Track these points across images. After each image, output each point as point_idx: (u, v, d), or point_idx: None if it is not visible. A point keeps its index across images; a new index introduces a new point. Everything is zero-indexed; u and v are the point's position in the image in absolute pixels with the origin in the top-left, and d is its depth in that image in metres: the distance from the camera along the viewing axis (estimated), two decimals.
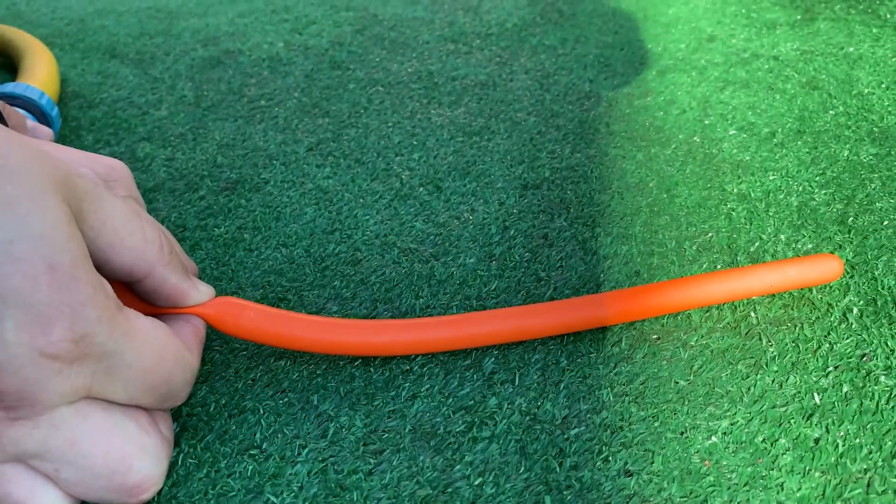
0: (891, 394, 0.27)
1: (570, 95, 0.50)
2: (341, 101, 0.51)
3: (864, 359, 0.28)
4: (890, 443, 0.25)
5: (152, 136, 0.47)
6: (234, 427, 0.27)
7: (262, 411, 0.27)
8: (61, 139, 0.47)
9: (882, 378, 0.28)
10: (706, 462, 0.25)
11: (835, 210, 0.37)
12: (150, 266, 0.24)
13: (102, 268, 0.23)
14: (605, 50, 0.58)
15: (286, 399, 0.28)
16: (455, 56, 0.57)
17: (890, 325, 0.30)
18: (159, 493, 0.24)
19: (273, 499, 0.24)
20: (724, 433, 0.26)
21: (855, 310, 0.31)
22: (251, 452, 0.26)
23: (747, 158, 0.42)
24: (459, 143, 0.45)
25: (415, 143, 0.45)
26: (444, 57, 0.57)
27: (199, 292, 0.26)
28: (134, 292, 0.25)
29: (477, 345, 0.29)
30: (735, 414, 0.26)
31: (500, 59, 0.57)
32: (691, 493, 0.24)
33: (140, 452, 0.23)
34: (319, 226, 0.38)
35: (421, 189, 0.40)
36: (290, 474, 0.25)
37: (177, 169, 0.43)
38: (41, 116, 0.43)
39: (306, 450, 0.26)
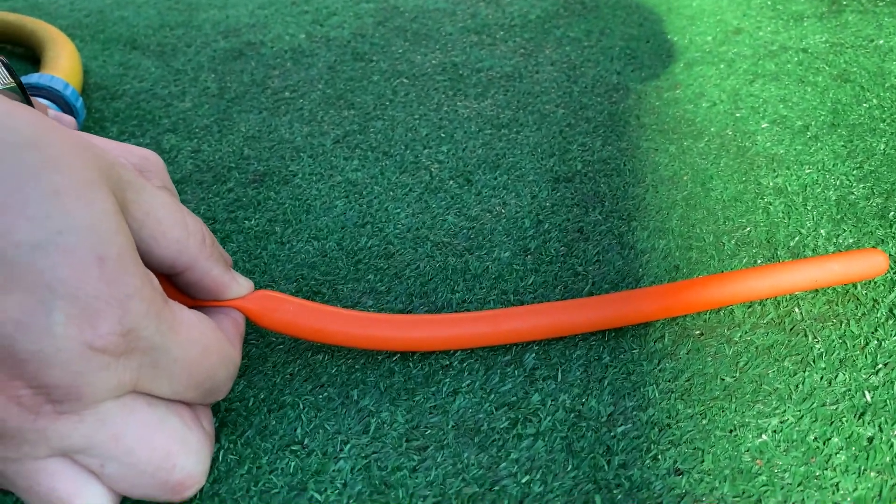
0: None
1: (598, 87, 0.50)
2: (366, 93, 0.50)
3: None
4: None
5: (177, 127, 0.46)
6: (273, 422, 0.26)
7: (301, 406, 0.27)
8: (85, 130, 0.46)
9: None
10: (758, 461, 0.24)
11: (874, 204, 0.37)
12: (192, 258, 0.24)
13: (145, 259, 0.23)
14: (630, 42, 0.57)
15: (326, 394, 0.27)
16: (479, 48, 0.57)
17: None
18: (201, 490, 0.24)
19: (317, 496, 0.24)
20: (775, 431, 0.25)
21: None
22: (293, 448, 0.25)
23: (782, 152, 0.41)
24: (488, 136, 0.44)
25: (442, 135, 0.45)
26: (467, 49, 0.57)
27: (240, 285, 0.26)
28: (174, 285, 0.25)
29: (518, 340, 0.28)
30: (785, 412, 0.26)
31: (524, 51, 0.56)
32: (744, 492, 0.23)
33: (184, 450, 0.22)
34: (350, 219, 0.37)
35: (451, 182, 0.40)
36: (334, 471, 0.24)
37: (203, 161, 0.42)
38: (65, 107, 0.42)
39: (348, 446, 0.25)
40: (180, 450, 0.22)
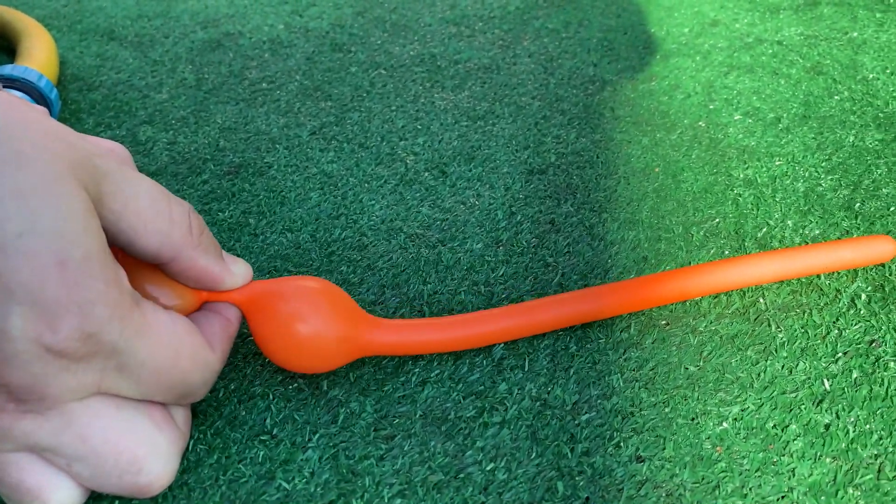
0: None
1: (574, 79, 0.50)
2: (343, 85, 0.50)
3: (874, 345, 0.29)
4: None
5: (153, 119, 0.46)
6: (243, 413, 0.27)
7: (271, 397, 0.27)
8: (61, 122, 0.46)
9: (891, 364, 0.28)
10: (718, 448, 0.25)
11: (841, 196, 0.37)
12: (175, 249, 0.23)
13: (128, 249, 0.23)
14: (608, 33, 0.57)
15: (296, 385, 0.28)
16: (458, 39, 0.57)
17: None
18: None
19: (285, 484, 0.24)
20: (735, 419, 0.26)
21: (863, 296, 0.31)
22: (262, 438, 0.26)
23: (753, 144, 0.42)
24: (464, 128, 0.44)
25: (419, 127, 0.45)
26: (446, 40, 0.57)
27: (234, 275, 0.25)
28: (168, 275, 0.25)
29: (488, 342, 0.28)
30: (746, 400, 0.26)
31: (503, 43, 0.56)
32: (703, 478, 0.24)
33: (152, 452, 0.22)
34: (325, 210, 0.37)
35: (426, 174, 0.40)
36: (302, 460, 0.25)
37: (179, 153, 0.42)
38: (40, 99, 0.42)
39: (317, 435, 0.26)
40: (148, 453, 0.22)
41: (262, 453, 0.25)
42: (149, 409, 0.23)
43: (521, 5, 0.63)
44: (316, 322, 0.25)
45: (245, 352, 0.29)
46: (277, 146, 0.43)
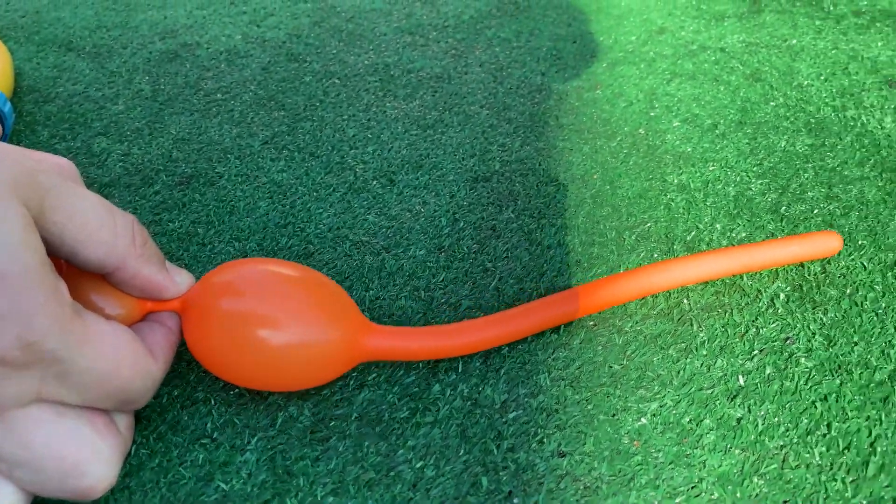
0: (809, 375, 0.29)
1: (522, 88, 0.51)
2: (297, 94, 0.51)
3: (788, 342, 0.30)
4: (805, 421, 0.27)
5: (108, 130, 0.47)
6: (185, 417, 0.28)
7: (213, 402, 0.28)
8: (16, 134, 0.47)
9: (802, 360, 0.29)
10: (635, 442, 0.26)
11: (769, 199, 0.39)
12: (120, 259, 0.24)
13: (72, 260, 0.24)
14: (557, 42, 0.59)
15: (237, 390, 0.29)
16: (412, 48, 0.58)
17: (814, 309, 0.32)
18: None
19: (223, 486, 0.25)
20: (653, 415, 0.27)
21: (782, 295, 0.33)
22: (202, 441, 0.27)
23: (689, 150, 0.44)
24: (413, 137, 0.46)
25: (369, 136, 0.46)
26: (400, 49, 0.58)
27: (176, 284, 0.26)
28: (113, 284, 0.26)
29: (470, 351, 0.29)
30: (664, 396, 0.28)
31: (455, 52, 0.58)
32: (620, 471, 0.25)
33: (94, 457, 0.23)
34: (272, 219, 0.38)
35: (374, 182, 0.41)
36: (240, 462, 0.26)
37: (132, 164, 0.43)
38: None
39: (255, 438, 0.27)
40: (90, 457, 0.23)
41: (202, 456, 0.26)
42: (90, 415, 0.24)
43: (475, 14, 0.65)
44: (287, 325, 0.26)
45: (189, 359, 0.30)
46: (229, 156, 0.44)
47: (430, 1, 0.68)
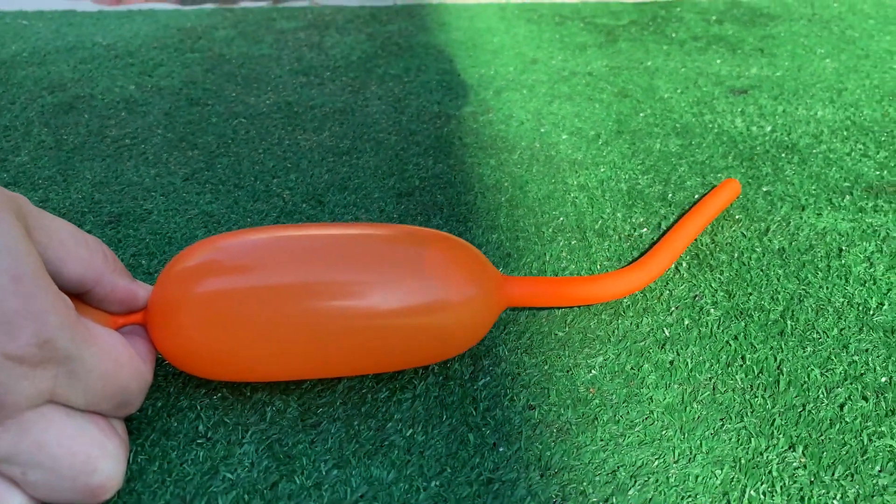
0: (719, 321, 0.34)
1: (422, 116, 0.56)
2: (207, 134, 0.53)
3: (696, 298, 0.35)
4: (724, 356, 0.32)
5: (18, 180, 0.46)
6: (175, 424, 0.29)
7: (199, 407, 0.29)
8: None
9: (711, 311, 0.35)
10: (591, 390, 0.30)
11: (656, 190, 0.45)
12: (98, 273, 0.26)
13: (55, 279, 0.25)
14: (445, 76, 0.64)
15: (220, 394, 0.30)
16: (309, 87, 0.61)
17: (711, 272, 0.37)
18: (118, 491, 0.26)
19: (229, 475, 0.26)
20: (601, 367, 0.31)
21: (684, 263, 0.38)
22: (198, 441, 0.28)
23: (580, 156, 0.49)
24: (331, 163, 0.48)
25: (289, 165, 0.48)
26: (299, 88, 0.61)
27: (146, 290, 0.28)
28: (90, 304, 0.27)
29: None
30: (607, 351, 0.32)
31: (352, 88, 0.61)
32: (583, 414, 0.29)
33: (103, 454, 0.24)
34: None
35: (304, 205, 0.44)
36: (240, 454, 0.27)
37: (54, 209, 0.43)
38: None
39: (249, 433, 0.28)
40: (100, 454, 0.24)
41: (201, 454, 0.27)
42: (93, 417, 0.25)
43: (363, 56, 0.69)
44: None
45: (166, 372, 0.31)
46: (153, 194, 0.45)
47: (316, 45, 0.72)
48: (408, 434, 0.28)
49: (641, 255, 0.38)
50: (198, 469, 0.27)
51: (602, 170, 0.48)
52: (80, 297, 0.27)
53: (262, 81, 0.63)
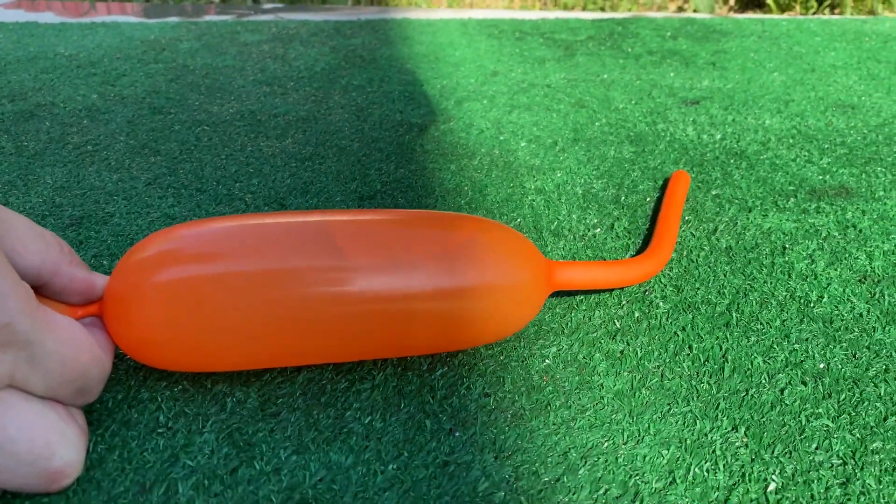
0: (668, 314, 0.35)
1: (385, 124, 0.57)
2: (170, 141, 0.53)
3: (647, 293, 0.37)
4: (672, 345, 0.33)
5: None
6: (135, 415, 0.29)
7: (160, 399, 0.30)
8: None
9: (661, 304, 0.36)
10: (545, 378, 0.31)
11: (610, 194, 0.47)
12: (55, 265, 0.26)
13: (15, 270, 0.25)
14: (407, 87, 0.65)
15: (181, 386, 0.30)
16: (272, 97, 0.62)
17: None
18: (78, 479, 0.26)
19: (189, 462, 0.27)
20: (554, 357, 0.32)
21: None
22: (159, 431, 0.28)
23: (538, 162, 0.51)
24: (294, 168, 0.49)
25: (251, 170, 0.49)
26: (262, 98, 0.62)
27: (103, 279, 0.28)
28: (48, 297, 0.27)
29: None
30: (560, 342, 0.33)
31: (315, 98, 0.62)
32: (537, 401, 0.30)
33: (62, 440, 0.24)
34: None
35: (266, 208, 0.44)
36: (200, 442, 0.28)
37: (15, 211, 0.43)
38: None
39: (210, 422, 0.29)
40: (59, 440, 0.24)
41: (162, 442, 0.28)
42: (53, 405, 0.25)
43: (326, 67, 0.70)
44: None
45: (127, 366, 0.31)
46: (115, 198, 0.45)
47: (280, 57, 0.72)
48: (366, 421, 0.29)
49: (644, 245, 0.41)
50: (158, 457, 0.27)
51: (559, 175, 0.49)
52: (39, 289, 0.27)
53: (225, 91, 0.63)
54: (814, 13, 1.19)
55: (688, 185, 0.45)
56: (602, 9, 1.22)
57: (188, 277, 0.27)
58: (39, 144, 0.52)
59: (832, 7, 1.21)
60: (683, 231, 0.42)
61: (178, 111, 0.59)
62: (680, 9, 1.24)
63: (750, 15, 1.00)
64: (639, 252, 0.40)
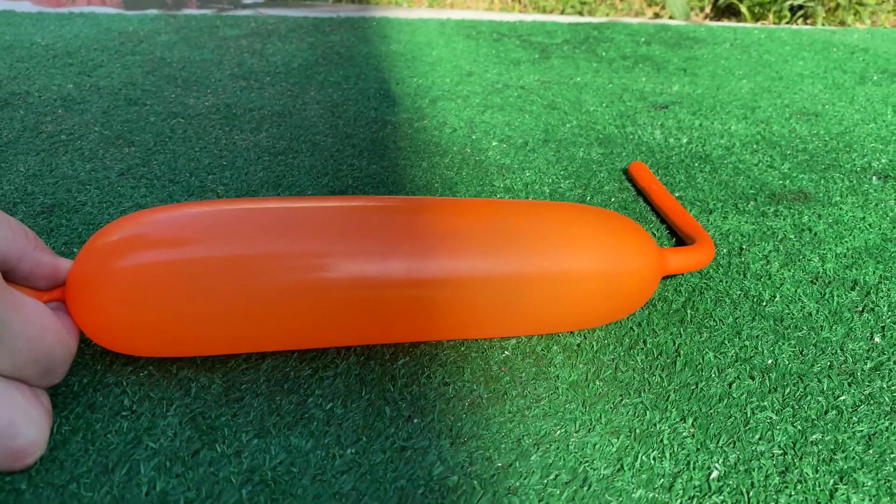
0: None
1: (359, 121, 0.58)
2: (144, 133, 0.54)
3: None
4: (627, 340, 0.34)
5: None
6: (100, 398, 0.30)
7: (125, 384, 0.30)
8: None
9: None
10: (503, 368, 0.32)
11: (576, 194, 0.48)
12: (21, 250, 0.27)
13: None
14: (383, 84, 0.66)
15: (146, 371, 0.31)
16: (249, 91, 0.63)
17: None
18: (41, 458, 0.27)
19: (152, 444, 0.27)
20: (514, 348, 0.33)
21: None
22: (122, 414, 0.29)
23: (508, 161, 0.52)
24: (267, 162, 0.50)
25: (224, 163, 0.49)
26: (238, 92, 0.62)
27: (68, 263, 0.29)
28: (15, 281, 0.28)
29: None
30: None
31: (291, 93, 0.63)
32: (495, 390, 0.31)
33: (26, 419, 0.25)
34: None
35: None
36: (164, 425, 0.28)
37: None
38: None
39: (174, 406, 0.29)
40: (23, 419, 0.25)
41: (125, 425, 0.28)
42: (18, 385, 0.25)
43: (303, 63, 0.71)
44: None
45: (93, 352, 0.32)
46: (88, 187, 0.46)
47: (258, 52, 0.73)
48: (327, 408, 0.30)
49: (685, 235, 0.42)
50: (121, 439, 0.28)
51: (528, 174, 0.50)
52: (5, 275, 0.28)
53: (201, 84, 0.64)
54: (786, 23, 1.21)
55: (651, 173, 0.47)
56: (580, 13, 1.23)
57: (150, 263, 0.27)
58: (13, 133, 0.52)
59: (805, 17, 1.24)
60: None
61: (154, 103, 0.59)
62: (656, 15, 1.26)
63: (724, 23, 1.02)
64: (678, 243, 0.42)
